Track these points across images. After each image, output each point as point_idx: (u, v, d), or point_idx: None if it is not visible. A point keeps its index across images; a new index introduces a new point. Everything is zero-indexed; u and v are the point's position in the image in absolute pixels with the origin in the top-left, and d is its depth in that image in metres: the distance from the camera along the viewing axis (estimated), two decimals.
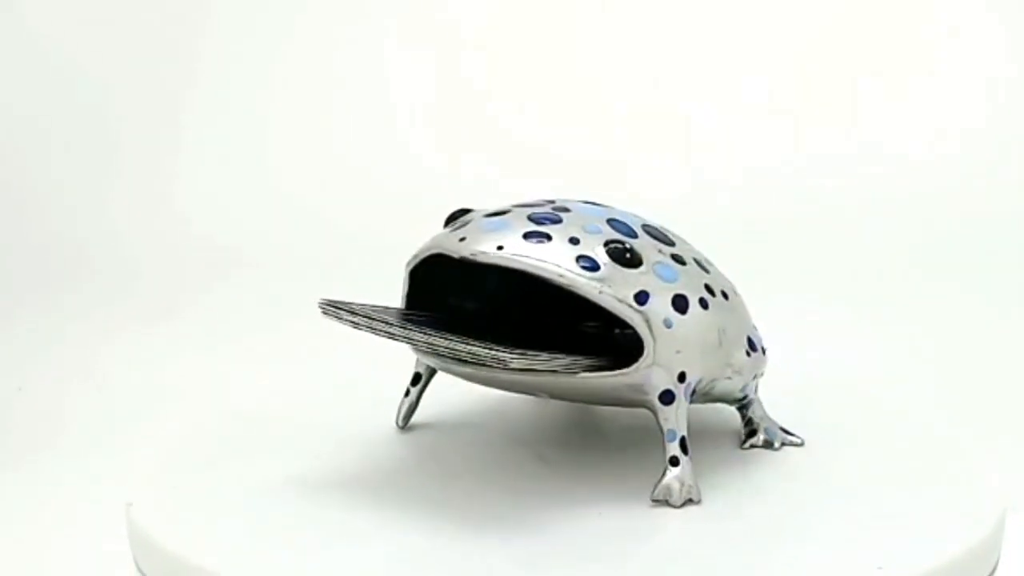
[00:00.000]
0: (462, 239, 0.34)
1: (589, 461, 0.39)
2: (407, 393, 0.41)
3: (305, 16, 1.19)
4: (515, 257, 0.33)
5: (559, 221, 0.34)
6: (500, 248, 0.33)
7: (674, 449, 0.34)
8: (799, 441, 0.40)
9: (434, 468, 0.38)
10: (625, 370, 0.33)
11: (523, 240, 0.33)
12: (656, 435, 0.35)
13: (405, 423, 0.41)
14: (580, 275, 0.33)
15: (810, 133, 1.10)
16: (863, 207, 1.04)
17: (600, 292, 0.33)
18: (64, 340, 0.89)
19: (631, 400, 0.35)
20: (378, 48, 1.18)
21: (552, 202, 0.36)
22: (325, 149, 1.15)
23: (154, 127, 1.16)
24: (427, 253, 0.35)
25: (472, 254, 0.33)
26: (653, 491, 0.35)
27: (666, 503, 0.34)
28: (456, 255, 0.34)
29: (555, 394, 0.37)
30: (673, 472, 0.34)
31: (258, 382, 0.73)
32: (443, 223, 0.36)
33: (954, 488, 0.35)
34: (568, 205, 0.36)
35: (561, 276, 0.33)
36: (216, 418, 0.43)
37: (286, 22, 1.19)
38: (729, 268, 0.39)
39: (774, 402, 0.41)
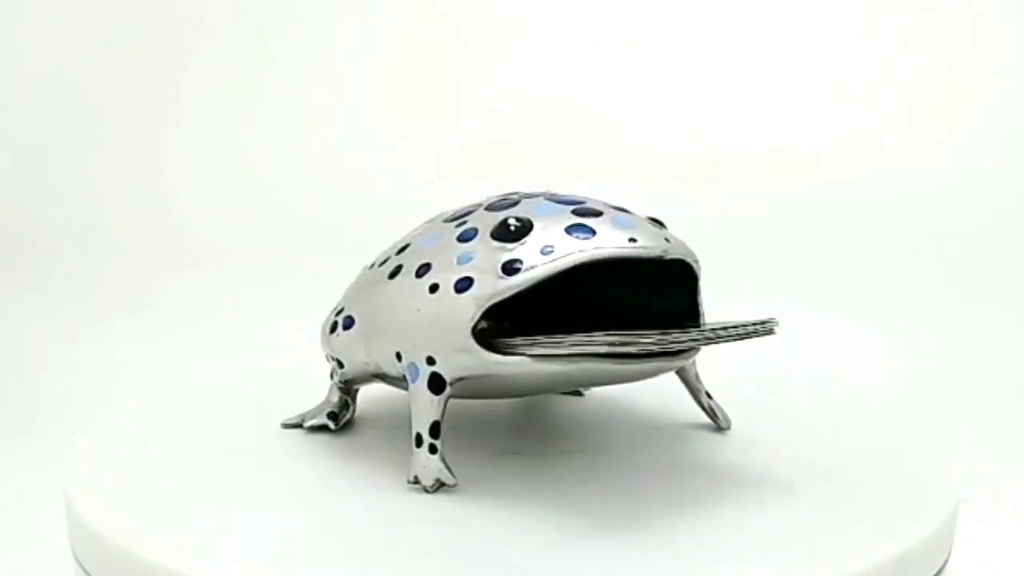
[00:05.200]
0: (632, 239, 0.31)
1: (618, 441, 0.38)
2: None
3: (299, 13, 1.18)
4: (687, 250, 0.32)
5: (626, 209, 0.33)
6: (667, 241, 0.31)
7: (704, 387, 0.38)
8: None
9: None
10: None
11: (657, 230, 0.32)
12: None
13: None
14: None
15: (810, 132, 1.11)
16: (859, 206, 1.05)
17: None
18: (13, 325, 0.88)
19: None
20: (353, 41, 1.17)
21: (570, 195, 0.34)
22: (304, 142, 1.14)
23: (129, 113, 1.15)
24: (598, 257, 0.30)
25: (664, 252, 0.31)
26: (724, 423, 0.38)
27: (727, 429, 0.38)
28: (652, 256, 0.30)
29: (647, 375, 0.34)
30: (717, 403, 0.38)
31: (210, 370, 0.72)
32: (500, 236, 0.31)
33: (908, 479, 0.35)
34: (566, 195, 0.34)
35: (695, 259, 0.32)
36: (163, 405, 0.42)
37: (278, 18, 1.18)
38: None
39: (734, 390, 0.41)
